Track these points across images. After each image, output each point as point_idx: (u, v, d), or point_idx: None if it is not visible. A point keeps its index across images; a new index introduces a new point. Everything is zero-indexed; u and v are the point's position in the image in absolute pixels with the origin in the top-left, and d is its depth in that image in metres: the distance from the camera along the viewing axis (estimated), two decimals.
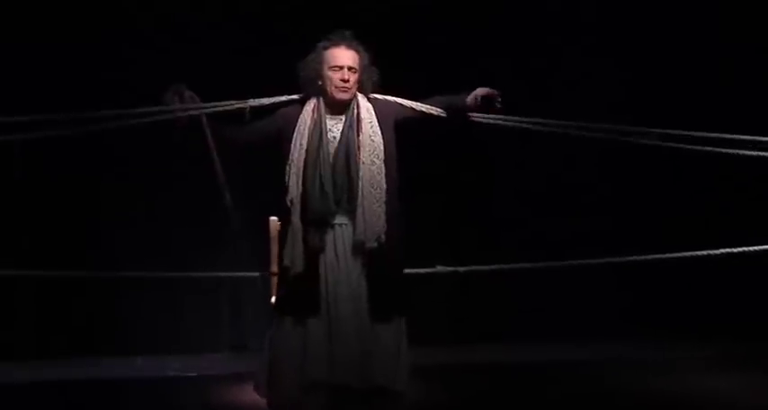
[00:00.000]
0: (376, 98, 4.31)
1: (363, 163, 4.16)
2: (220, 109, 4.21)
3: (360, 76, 4.24)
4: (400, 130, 4.26)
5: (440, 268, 4.79)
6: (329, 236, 4.14)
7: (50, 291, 6.33)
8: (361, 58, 4.24)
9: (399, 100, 4.33)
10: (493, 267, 5.00)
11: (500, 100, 4.25)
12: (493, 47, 6.52)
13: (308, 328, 4.08)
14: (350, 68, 4.21)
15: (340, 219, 4.17)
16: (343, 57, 4.22)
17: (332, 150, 4.20)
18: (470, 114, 4.32)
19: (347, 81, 4.21)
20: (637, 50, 6.80)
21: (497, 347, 6.75)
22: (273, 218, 4.48)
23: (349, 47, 4.23)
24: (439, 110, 4.31)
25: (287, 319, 4.12)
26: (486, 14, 6.55)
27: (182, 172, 6.20)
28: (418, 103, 4.31)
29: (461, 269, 4.85)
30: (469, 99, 4.25)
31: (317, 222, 4.13)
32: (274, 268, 4.43)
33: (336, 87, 4.21)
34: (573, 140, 4.67)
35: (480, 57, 6.46)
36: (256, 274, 4.67)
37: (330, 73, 4.21)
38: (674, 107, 6.51)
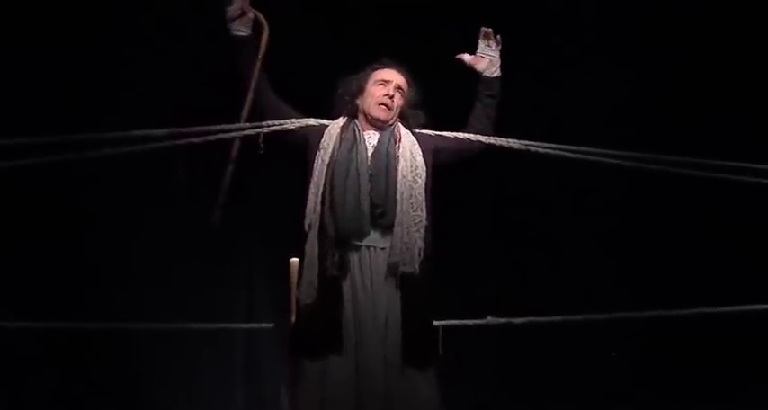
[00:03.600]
0: (415, 131, 4.15)
1: (403, 176, 3.92)
2: (229, 136, 4.07)
3: (404, 105, 4.10)
4: (438, 169, 4.09)
5: (491, 319, 4.59)
6: (353, 260, 3.84)
7: (39, 345, 5.77)
8: (409, 89, 4.14)
9: (438, 132, 4.19)
10: (553, 319, 4.76)
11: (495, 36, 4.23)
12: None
13: (331, 372, 3.78)
14: (397, 88, 4.09)
15: (369, 241, 3.86)
16: (393, 75, 4.11)
17: (369, 160, 3.95)
18: (495, 72, 4.23)
19: (391, 97, 4.05)
20: (640, 52, 6.43)
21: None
22: (294, 260, 4.15)
23: (400, 71, 4.14)
24: (476, 124, 4.20)
25: (305, 363, 3.82)
26: (485, 13, 6.14)
27: (190, 212, 5.71)
28: (459, 134, 4.18)
29: (517, 320, 4.64)
30: (470, 60, 4.23)
31: (340, 243, 3.82)
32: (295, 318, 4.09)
33: (377, 103, 4.04)
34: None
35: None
36: (271, 326, 4.56)
37: (374, 88, 4.08)
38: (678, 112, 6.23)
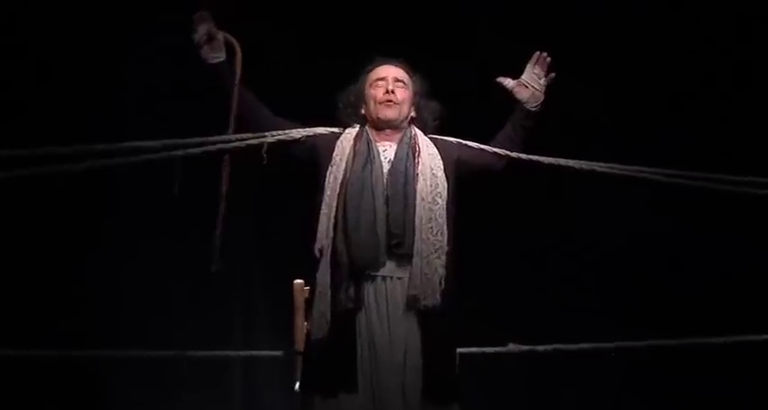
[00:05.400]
0: (435, 137, 3.93)
1: (422, 199, 3.69)
2: (230, 146, 3.89)
3: (412, 99, 3.89)
4: (460, 180, 3.89)
5: (512, 347, 4.40)
6: (369, 292, 3.65)
7: (15, 375, 5.51)
8: (412, 80, 3.93)
9: (461, 141, 3.97)
10: (582, 346, 4.55)
11: (546, 56, 3.92)
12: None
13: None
14: (395, 81, 3.87)
15: (385, 271, 3.66)
16: (388, 70, 3.90)
17: (385, 178, 3.73)
18: (536, 107, 3.94)
19: (393, 92, 3.83)
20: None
21: None
22: (299, 282, 4.01)
23: (395, 63, 3.94)
24: (506, 141, 3.95)
25: (316, 401, 3.66)
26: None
27: (185, 228, 5.62)
28: (484, 146, 3.94)
29: (540, 347, 4.46)
30: (513, 87, 3.93)
31: (354, 273, 3.63)
32: (300, 346, 3.97)
33: (380, 103, 3.83)
34: None
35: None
36: (277, 354, 4.39)
37: (372, 90, 3.88)
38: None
